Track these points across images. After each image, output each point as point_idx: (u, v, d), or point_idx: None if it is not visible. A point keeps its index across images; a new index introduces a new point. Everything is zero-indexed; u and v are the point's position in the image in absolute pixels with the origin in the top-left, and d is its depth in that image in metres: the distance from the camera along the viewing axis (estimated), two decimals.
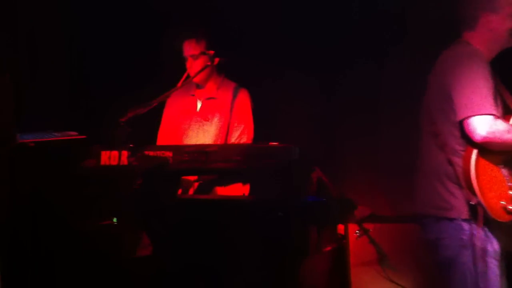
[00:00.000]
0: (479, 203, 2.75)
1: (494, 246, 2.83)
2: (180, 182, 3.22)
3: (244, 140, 3.63)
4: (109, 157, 3.03)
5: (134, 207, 3.03)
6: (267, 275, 3.00)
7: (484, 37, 2.94)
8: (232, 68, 3.73)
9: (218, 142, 3.63)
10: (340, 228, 4.30)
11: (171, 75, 3.67)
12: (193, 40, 3.67)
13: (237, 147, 2.93)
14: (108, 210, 3.21)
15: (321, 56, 4.40)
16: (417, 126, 3.04)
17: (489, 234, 2.82)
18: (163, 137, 3.82)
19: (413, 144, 3.07)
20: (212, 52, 3.55)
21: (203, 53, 3.58)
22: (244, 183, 3.52)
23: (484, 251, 2.81)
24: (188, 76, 3.56)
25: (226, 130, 3.66)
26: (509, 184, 2.83)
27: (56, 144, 3.06)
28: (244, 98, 3.71)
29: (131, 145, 2.96)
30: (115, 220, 3.49)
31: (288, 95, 4.35)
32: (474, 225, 2.80)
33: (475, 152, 2.77)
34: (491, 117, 2.73)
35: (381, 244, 4.06)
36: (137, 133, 3.01)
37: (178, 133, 3.76)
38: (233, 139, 3.63)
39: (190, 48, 3.67)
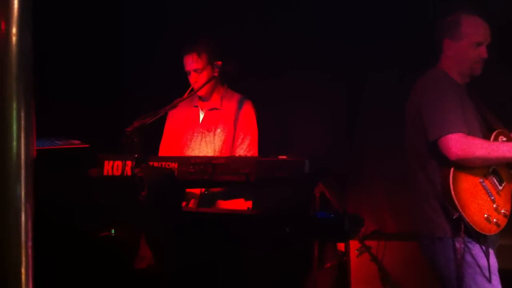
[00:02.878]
0: (460, 217, 2.83)
1: (492, 260, 2.88)
2: (184, 194, 3.15)
3: (252, 152, 3.56)
4: (112, 167, 2.96)
5: (136, 219, 2.96)
6: None
7: (449, 62, 3.10)
8: (243, 78, 3.65)
9: (222, 154, 3.56)
10: (340, 244, 4.25)
11: (176, 84, 3.60)
12: (195, 54, 3.54)
13: (245, 159, 2.86)
14: (108, 221, 3.13)
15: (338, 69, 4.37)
16: (403, 149, 3.17)
17: (487, 248, 2.89)
18: (165, 149, 3.74)
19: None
20: (220, 62, 3.48)
21: (210, 64, 3.50)
22: (248, 198, 3.45)
23: (481, 266, 2.86)
24: (192, 89, 3.48)
25: (230, 141, 3.58)
26: (492, 197, 2.92)
27: (58, 152, 2.98)
28: (249, 110, 3.64)
29: (135, 155, 2.88)
30: (113, 231, 3.41)
31: (295, 106, 4.31)
32: (467, 242, 2.87)
33: (452, 168, 2.88)
34: (461, 134, 2.86)
35: (385, 262, 4.02)
36: (142, 144, 2.94)
37: (180, 145, 3.69)
38: (241, 151, 3.55)
39: (193, 63, 3.55)
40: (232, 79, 3.67)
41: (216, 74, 3.42)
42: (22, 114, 1.20)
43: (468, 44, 3.04)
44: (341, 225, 2.60)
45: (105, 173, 2.94)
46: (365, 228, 4.07)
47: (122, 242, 3.42)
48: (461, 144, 2.84)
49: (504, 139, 3.02)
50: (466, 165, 2.88)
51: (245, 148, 3.55)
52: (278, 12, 4.41)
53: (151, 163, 2.90)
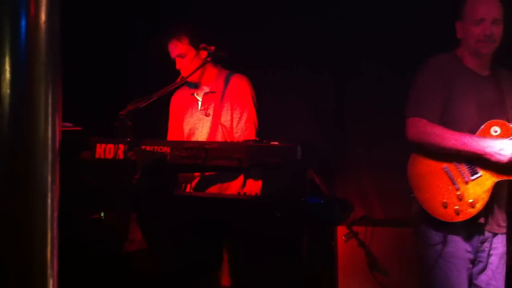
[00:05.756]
0: (413, 199, 2.94)
1: (451, 247, 2.93)
2: (177, 179, 3.16)
3: (244, 119, 3.51)
4: (104, 150, 2.96)
5: (128, 202, 2.97)
6: (262, 275, 2.96)
7: (462, 45, 3.08)
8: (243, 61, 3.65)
9: (212, 135, 3.54)
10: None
11: (171, 68, 3.59)
12: (175, 40, 3.54)
13: (238, 145, 2.87)
14: (99, 204, 3.14)
15: (333, 53, 4.38)
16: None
17: (447, 235, 2.92)
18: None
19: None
20: (213, 47, 3.46)
21: (194, 48, 3.50)
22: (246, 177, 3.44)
23: (440, 251, 2.93)
24: (182, 77, 3.46)
25: (217, 121, 3.55)
26: (455, 185, 2.90)
27: None
28: (235, 83, 3.57)
29: (128, 139, 2.89)
30: (102, 214, 3.42)
31: (289, 90, 4.32)
32: (425, 227, 2.96)
33: (414, 151, 3.00)
34: (418, 119, 2.94)
35: (372, 248, 4.05)
36: (141, 128, 2.95)
37: (186, 136, 3.66)
38: (235, 123, 3.51)
39: (175, 49, 3.55)
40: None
41: (209, 59, 3.40)
42: (50, 98, 1.24)
43: (469, 23, 2.99)
44: (332, 211, 2.63)
45: (97, 156, 2.94)
46: (353, 214, 4.12)
47: (111, 225, 3.42)
48: (415, 128, 2.94)
49: (497, 131, 2.94)
50: (427, 149, 2.94)
51: (238, 118, 3.49)
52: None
53: (143, 147, 2.91)
